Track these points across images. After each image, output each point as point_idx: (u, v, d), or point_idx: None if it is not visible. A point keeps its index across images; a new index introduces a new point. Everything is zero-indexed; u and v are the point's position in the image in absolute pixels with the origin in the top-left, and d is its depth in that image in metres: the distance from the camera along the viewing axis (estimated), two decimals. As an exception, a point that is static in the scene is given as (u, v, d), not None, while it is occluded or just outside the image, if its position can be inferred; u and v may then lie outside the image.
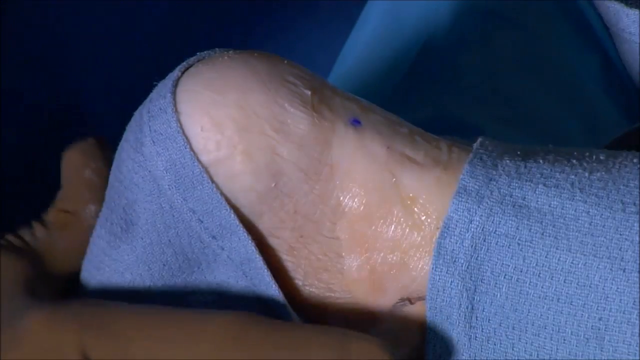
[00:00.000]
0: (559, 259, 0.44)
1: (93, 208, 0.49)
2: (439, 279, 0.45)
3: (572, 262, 0.44)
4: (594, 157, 0.46)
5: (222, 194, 0.44)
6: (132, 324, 0.42)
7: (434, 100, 0.74)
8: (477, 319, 0.45)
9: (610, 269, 0.43)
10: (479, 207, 0.44)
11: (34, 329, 0.43)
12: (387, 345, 0.43)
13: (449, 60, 0.76)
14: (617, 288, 0.43)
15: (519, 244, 0.44)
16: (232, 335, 0.42)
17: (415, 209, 0.45)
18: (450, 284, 0.45)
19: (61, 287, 0.48)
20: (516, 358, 0.44)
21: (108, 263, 0.46)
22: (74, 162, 0.50)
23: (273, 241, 0.45)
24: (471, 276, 0.44)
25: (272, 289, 0.45)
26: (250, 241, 0.44)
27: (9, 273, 0.46)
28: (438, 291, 0.45)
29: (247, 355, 0.41)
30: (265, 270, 0.45)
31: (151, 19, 0.70)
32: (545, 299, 0.44)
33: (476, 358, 0.45)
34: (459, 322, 0.45)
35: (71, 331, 0.42)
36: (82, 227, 0.49)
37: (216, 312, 0.43)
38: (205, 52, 0.47)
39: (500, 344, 0.44)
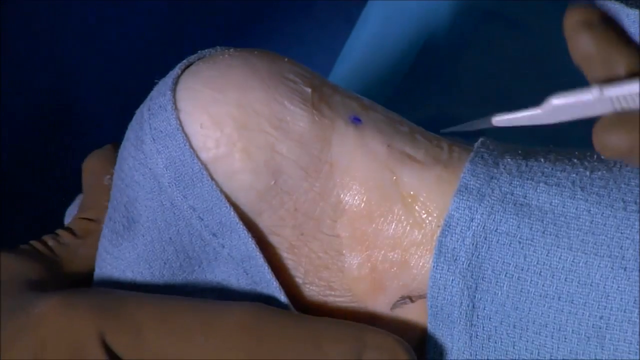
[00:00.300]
0: (560, 258, 0.44)
1: None
2: (440, 277, 0.45)
3: (573, 261, 0.44)
4: (595, 156, 0.46)
5: (221, 191, 0.44)
6: (147, 312, 0.42)
7: (434, 100, 0.74)
8: (478, 317, 0.45)
9: (611, 268, 0.43)
10: (480, 205, 0.44)
11: (49, 313, 0.42)
12: (402, 340, 0.43)
13: (449, 60, 0.76)
14: (618, 287, 0.43)
15: (520, 242, 0.44)
16: (248, 325, 0.42)
17: (416, 207, 0.45)
18: (451, 282, 0.45)
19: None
20: (517, 356, 0.44)
21: (110, 261, 0.46)
22: (93, 169, 0.50)
23: (273, 239, 0.45)
24: (472, 274, 0.44)
25: (273, 287, 0.45)
26: (250, 239, 0.44)
27: (22, 272, 0.46)
28: (439, 289, 0.45)
29: (262, 347, 0.41)
30: (266, 268, 0.45)
31: (151, 19, 0.70)
32: (546, 297, 0.44)
33: (477, 356, 0.45)
34: (459, 321, 0.45)
35: (87, 316, 0.42)
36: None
37: (231, 303, 0.43)
38: (205, 50, 0.47)
39: (501, 342, 0.44)
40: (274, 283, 0.45)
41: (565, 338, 0.44)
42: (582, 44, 0.42)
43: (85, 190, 0.51)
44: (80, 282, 0.48)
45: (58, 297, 0.43)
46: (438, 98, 0.74)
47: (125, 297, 0.43)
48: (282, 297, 0.45)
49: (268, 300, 0.45)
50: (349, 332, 0.42)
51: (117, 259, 0.46)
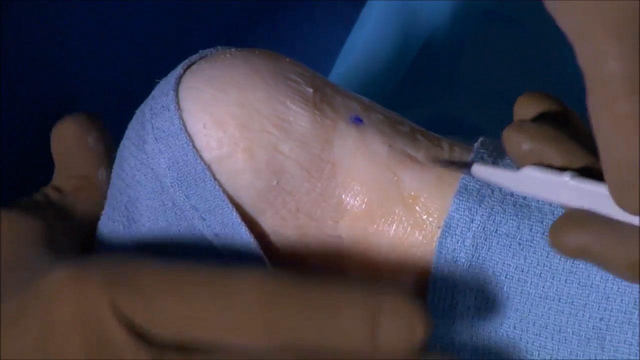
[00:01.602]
0: (560, 259, 0.44)
1: (104, 171, 0.49)
2: (441, 278, 0.45)
3: (572, 262, 0.44)
4: (595, 156, 0.46)
5: (224, 191, 0.44)
6: (162, 280, 0.41)
7: (434, 100, 0.74)
8: (478, 319, 0.45)
9: None
10: (480, 206, 0.44)
11: (62, 284, 0.41)
12: (419, 303, 0.41)
13: (448, 60, 0.76)
14: (618, 288, 0.43)
15: (519, 244, 0.44)
16: (264, 294, 0.41)
17: (417, 207, 0.45)
18: (452, 284, 0.45)
19: (79, 248, 0.47)
20: (517, 358, 0.44)
21: None
22: (73, 132, 0.50)
23: (275, 239, 0.45)
24: (472, 276, 0.44)
25: None
26: (253, 239, 0.44)
27: (28, 228, 0.45)
28: (440, 290, 0.45)
29: (278, 318, 0.41)
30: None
31: (150, 19, 0.70)
32: (546, 298, 0.44)
33: (477, 357, 0.45)
34: (460, 321, 0.45)
35: (101, 286, 0.41)
36: (97, 190, 0.48)
37: (245, 268, 0.42)
38: (207, 49, 0.47)
39: (502, 343, 0.44)
40: None
41: (566, 339, 0.44)
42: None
43: (68, 152, 0.50)
44: (82, 240, 0.48)
45: (72, 267, 0.42)
46: (438, 98, 0.74)
47: (137, 265, 0.42)
48: None
49: None
50: (364, 298, 0.41)
51: None
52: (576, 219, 0.41)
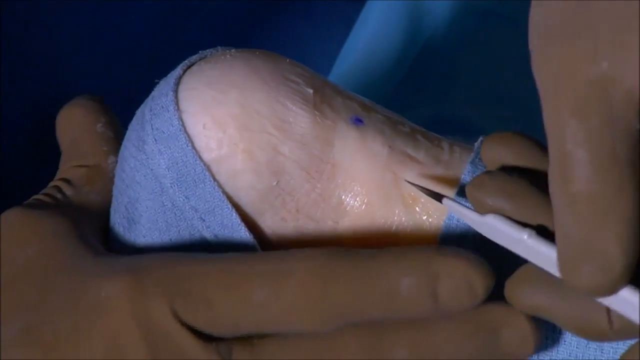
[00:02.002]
0: None
1: (114, 159, 0.48)
2: None
3: None
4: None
5: (223, 192, 0.44)
6: (217, 279, 0.41)
7: (434, 100, 0.75)
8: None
9: None
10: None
11: (120, 297, 0.41)
12: (476, 258, 0.42)
13: (448, 60, 0.76)
14: None
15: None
16: (318, 278, 0.41)
17: (417, 208, 0.45)
18: None
19: (103, 240, 0.47)
20: None
21: None
22: (81, 118, 0.49)
23: (275, 240, 0.45)
24: None
25: None
26: (252, 240, 0.44)
27: (60, 228, 0.45)
28: None
29: (336, 297, 0.41)
30: None
31: (150, 20, 0.70)
32: None
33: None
34: None
35: (159, 295, 0.41)
36: (109, 179, 0.48)
37: (295, 251, 0.42)
38: (207, 50, 0.47)
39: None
40: None
41: (565, 341, 0.44)
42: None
43: (75, 139, 0.49)
44: (103, 231, 0.47)
45: (121, 280, 0.42)
46: (438, 98, 0.75)
47: (189, 267, 0.42)
48: None
49: None
50: (419, 265, 0.41)
51: None
52: (530, 278, 0.41)
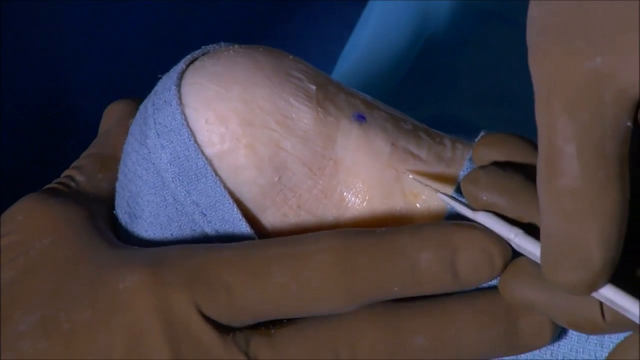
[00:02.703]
0: None
1: None
2: None
3: None
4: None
5: (225, 187, 0.44)
6: (237, 268, 0.41)
7: (434, 100, 0.75)
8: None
9: None
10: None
11: (140, 291, 0.41)
12: (490, 230, 0.42)
13: (448, 60, 0.76)
14: None
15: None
16: (337, 262, 0.41)
17: (418, 205, 0.45)
18: None
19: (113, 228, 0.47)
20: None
21: None
22: (118, 113, 0.50)
23: (276, 236, 0.45)
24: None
25: None
26: (253, 235, 0.44)
27: (77, 217, 0.45)
28: None
29: (357, 277, 0.41)
30: None
31: (151, 18, 0.70)
32: None
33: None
34: None
35: (181, 288, 0.41)
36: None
37: (310, 237, 0.42)
38: (209, 45, 0.47)
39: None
40: None
41: (566, 336, 0.44)
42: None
43: (106, 131, 0.50)
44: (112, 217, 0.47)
45: (141, 273, 0.41)
46: (438, 97, 0.75)
47: (209, 258, 0.42)
48: None
49: None
50: (436, 239, 0.42)
51: None
52: (522, 272, 0.42)
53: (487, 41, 0.75)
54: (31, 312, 0.42)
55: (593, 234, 0.38)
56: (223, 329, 0.41)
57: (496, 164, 0.44)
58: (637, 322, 0.39)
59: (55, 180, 0.47)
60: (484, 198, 0.42)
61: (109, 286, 0.42)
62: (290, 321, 0.42)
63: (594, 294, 0.40)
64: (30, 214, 0.45)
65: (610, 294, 0.39)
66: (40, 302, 0.42)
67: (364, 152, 0.45)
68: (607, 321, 0.40)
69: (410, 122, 0.47)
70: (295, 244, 0.42)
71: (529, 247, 0.41)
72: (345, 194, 0.45)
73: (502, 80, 0.74)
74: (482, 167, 0.43)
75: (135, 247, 0.44)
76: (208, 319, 0.41)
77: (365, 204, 0.45)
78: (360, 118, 0.46)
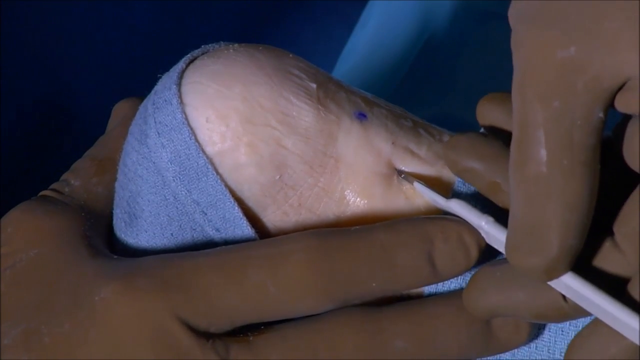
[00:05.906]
0: None
1: None
2: None
3: None
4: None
5: (226, 185, 0.44)
6: (214, 273, 0.41)
7: (434, 100, 0.75)
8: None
9: None
10: (477, 202, 0.45)
11: (115, 300, 0.41)
12: (463, 220, 0.43)
13: (448, 60, 0.76)
14: None
15: None
16: (314, 260, 0.41)
17: (418, 202, 0.45)
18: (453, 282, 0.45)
19: (107, 234, 0.47)
20: (515, 349, 0.45)
21: None
22: (122, 112, 0.50)
23: (277, 234, 0.45)
24: (472, 272, 0.44)
25: None
26: (254, 234, 0.44)
27: (65, 227, 0.45)
28: (442, 285, 0.45)
29: (335, 275, 0.41)
30: None
31: (150, 18, 0.70)
32: None
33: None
34: None
35: (155, 296, 0.41)
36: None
37: (287, 238, 0.42)
38: (209, 45, 0.47)
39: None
40: None
41: (562, 331, 0.44)
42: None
43: (110, 130, 0.50)
44: (107, 221, 0.47)
45: (114, 284, 0.41)
46: (438, 98, 0.75)
47: (183, 262, 0.42)
48: None
49: None
50: (414, 233, 0.42)
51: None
52: (481, 283, 0.42)
53: (487, 41, 0.76)
54: (15, 325, 0.42)
55: (552, 221, 0.38)
56: (202, 336, 0.41)
57: (492, 129, 0.44)
58: (597, 308, 0.39)
59: (51, 186, 0.47)
60: (463, 163, 0.43)
61: (87, 297, 0.42)
62: (268, 327, 0.42)
63: (555, 283, 0.40)
64: (20, 226, 0.45)
65: (571, 282, 0.39)
66: (24, 315, 0.42)
67: (364, 150, 0.45)
68: (571, 305, 0.40)
69: (410, 118, 0.47)
70: (271, 245, 0.42)
71: (497, 234, 0.42)
72: (346, 192, 0.45)
73: (502, 80, 0.74)
74: (463, 133, 0.44)
75: (116, 257, 0.44)
76: (187, 326, 0.41)
77: (366, 201, 0.45)
78: (361, 116, 0.46)
